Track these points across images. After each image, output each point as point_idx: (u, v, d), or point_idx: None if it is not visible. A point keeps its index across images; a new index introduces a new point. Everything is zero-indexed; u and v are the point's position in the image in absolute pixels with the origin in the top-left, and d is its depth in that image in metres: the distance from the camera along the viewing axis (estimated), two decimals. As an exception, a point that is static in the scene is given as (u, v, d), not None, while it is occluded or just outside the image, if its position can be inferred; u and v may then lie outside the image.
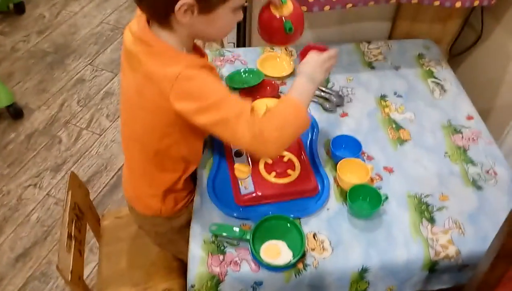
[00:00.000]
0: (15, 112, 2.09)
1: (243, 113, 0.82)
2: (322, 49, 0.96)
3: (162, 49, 0.84)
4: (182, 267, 1.19)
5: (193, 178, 1.08)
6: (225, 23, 0.86)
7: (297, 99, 0.87)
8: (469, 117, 1.22)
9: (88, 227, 1.21)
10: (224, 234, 0.95)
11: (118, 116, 2.14)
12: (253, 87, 1.23)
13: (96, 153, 2.00)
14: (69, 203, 1.09)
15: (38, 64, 2.38)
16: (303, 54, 0.97)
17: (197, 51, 0.94)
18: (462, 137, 1.16)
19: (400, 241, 0.95)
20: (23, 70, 2.34)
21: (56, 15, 2.67)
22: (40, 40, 2.51)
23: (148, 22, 0.87)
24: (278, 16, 0.98)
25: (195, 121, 0.84)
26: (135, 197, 1.09)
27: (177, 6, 0.78)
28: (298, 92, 0.89)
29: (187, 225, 1.00)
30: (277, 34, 1.00)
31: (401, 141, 1.15)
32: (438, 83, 1.31)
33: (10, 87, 2.18)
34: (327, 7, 1.23)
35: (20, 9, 2.64)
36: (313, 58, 0.93)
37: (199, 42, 0.98)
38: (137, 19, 0.89)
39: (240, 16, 0.87)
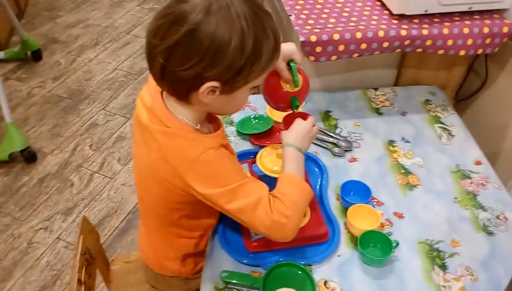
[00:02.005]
0: (29, 156, 2.13)
1: (261, 201, 0.83)
2: (304, 116, 0.97)
3: (179, 131, 0.83)
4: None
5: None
6: (243, 99, 0.86)
7: (296, 175, 0.90)
8: (478, 163, 1.23)
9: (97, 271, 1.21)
10: (235, 281, 0.94)
11: (129, 160, 2.18)
12: (262, 133, 1.26)
13: (107, 196, 2.02)
14: (80, 248, 1.09)
15: (52, 109, 2.44)
16: (287, 120, 0.99)
17: (211, 116, 0.93)
18: (471, 182, 1.17)
19: (412, 288, 0.94)
20: (38, 115, 2.40)
21: (72, 62, 2.77)
22: (55, 86, 2.59)
23: (161, 93, 0.86)
24: (286, 90, 0.98)
25: (212, 204, 0.85)
26: (152, 258, 1.08)
27: (202, 88, 0.77)
28: (294, 166, 0.91)
29: None
30: (283, 105, 1.01)
31: (411, 187, 1.16)
32: (445, 129, 1.33)
33: (25, 131, 2.24)
34: (334, 57, 1.27)
35: (37, 56, 2.74)
36: (300, 127, 0.95)
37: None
38: (150, 90, 0.88)
39: (254, 89, 0.86)
